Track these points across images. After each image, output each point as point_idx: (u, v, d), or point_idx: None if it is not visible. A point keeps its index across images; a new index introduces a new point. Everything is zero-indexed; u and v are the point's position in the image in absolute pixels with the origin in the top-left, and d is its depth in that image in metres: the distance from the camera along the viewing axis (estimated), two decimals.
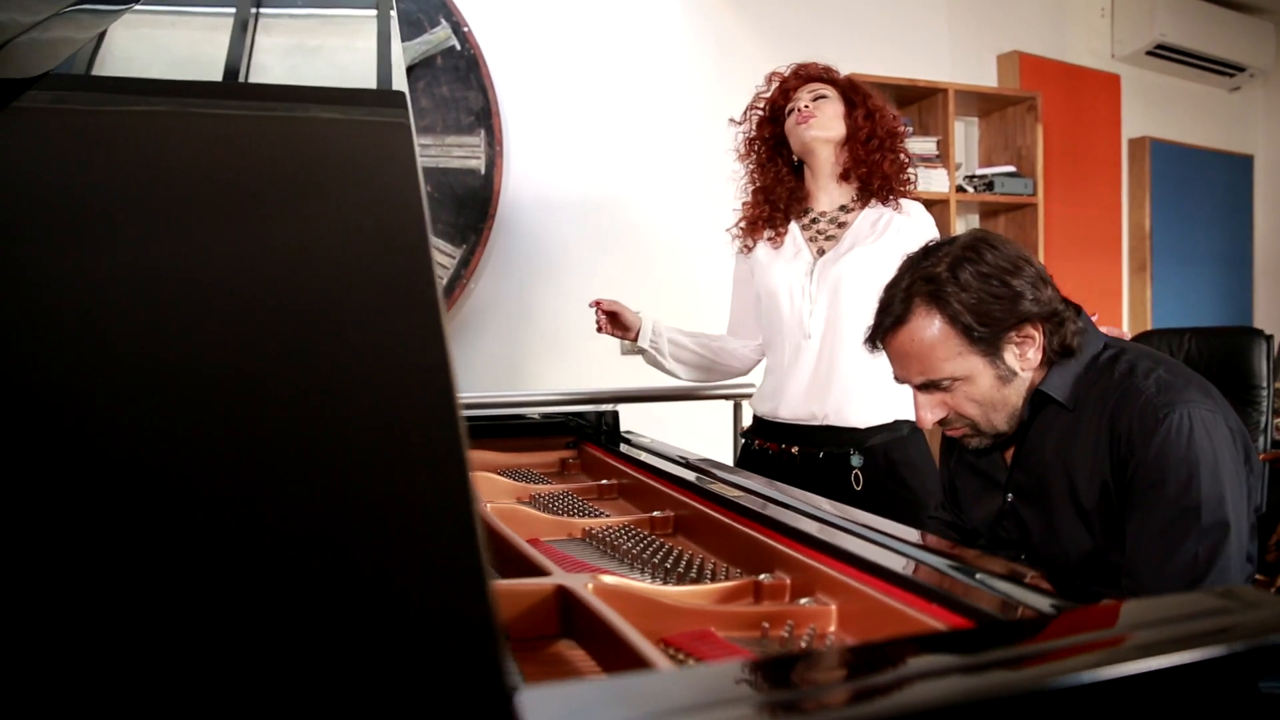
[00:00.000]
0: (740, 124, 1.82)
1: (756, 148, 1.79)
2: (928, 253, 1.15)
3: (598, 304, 1.79)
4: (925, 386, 1.13)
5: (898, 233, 1.65)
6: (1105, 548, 1.08)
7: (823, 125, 1.67)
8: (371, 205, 0.53)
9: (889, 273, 1.56)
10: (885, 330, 1.15)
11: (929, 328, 1.10)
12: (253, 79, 0.86)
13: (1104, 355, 1.13)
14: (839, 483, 1.60)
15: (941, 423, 1.16)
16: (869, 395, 1.61)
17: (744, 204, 1.81)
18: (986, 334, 1.09)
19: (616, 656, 0.59)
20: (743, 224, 1.80)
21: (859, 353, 1.51)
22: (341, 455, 0.33)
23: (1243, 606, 0.58)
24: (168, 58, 0.98)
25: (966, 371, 1.10)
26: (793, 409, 1.67)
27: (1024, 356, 1.11)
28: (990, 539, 1.24)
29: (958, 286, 1.08)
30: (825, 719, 0.37)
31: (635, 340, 1.78)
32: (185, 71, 0.94)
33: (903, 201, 1.70)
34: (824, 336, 1.65)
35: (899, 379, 1.18)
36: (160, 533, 0.33)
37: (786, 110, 1.73)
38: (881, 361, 1.54)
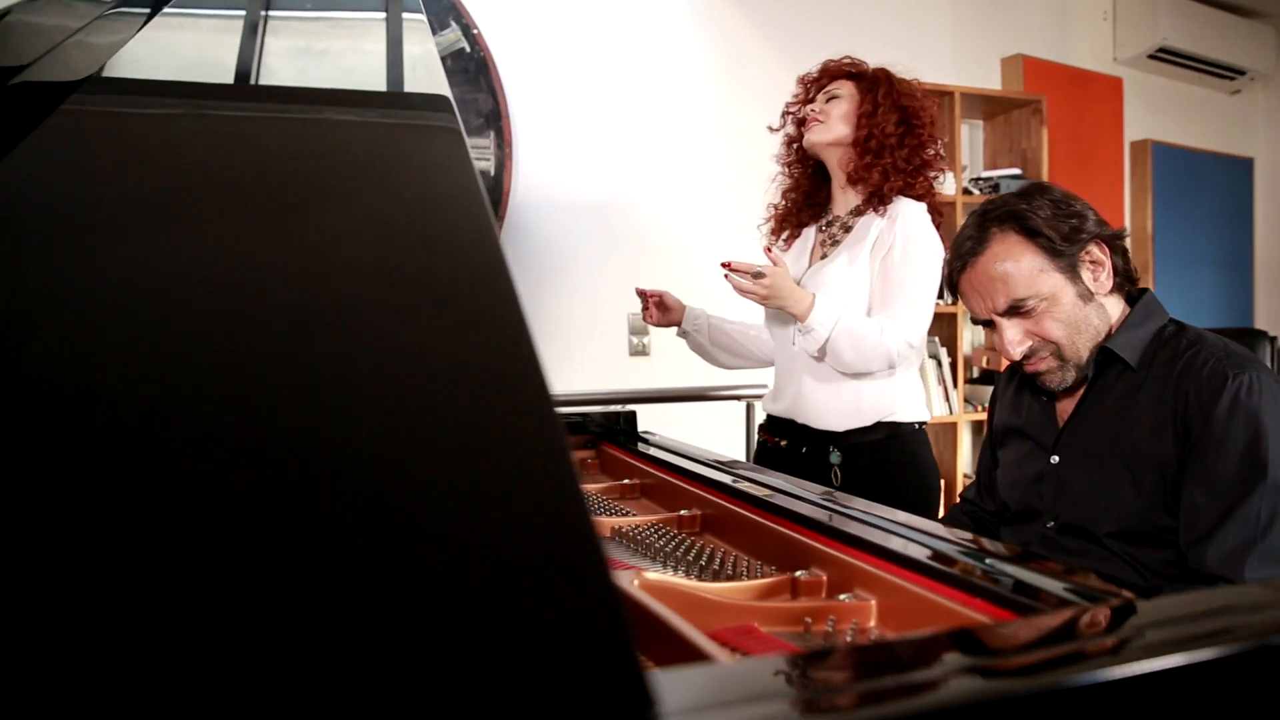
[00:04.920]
0: (778, 129, 1.85)
1: (786, 151, 1.83)
2: (992, 198, 1.22)
3: (643, 293, 1.84)
4: (1010, 312, 1.17)
5: (872, 241, 1.63)
6: (1150, 508, 1.09)
7: (822, 130, 1.68)
8: (437, 208, 0.55)
9: (857, 284, 1.61)
10: (965, 259, 1.20)
11: (1010, 247, 1.16)
12: (262, 81, 0.87)
13: (1169, 328, 1.18)
14: (820, 478, 1.64)
15: (1025, 357, 1.19)
16: (842, 401, 1.65)
17: (771, 204, 1.86)
18: (1065, 248, 1.14)
19: (671, 651, 0.60)
20: (769, 224, 1.85)
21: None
22: (453, 459, 0.35)
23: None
24: (175, 61, 0.99)
25: (1051, 289, 1.15)
26: (779, 406, 1.75)
27: (1097, 279, 1.17)
28: (1020, 508, 1.26)
29: (1030, 207, 1.15)
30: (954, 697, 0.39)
31: (679, 325, 1.85)
32: (193, 74, 0.95)
33: (895, 201, 1.64)
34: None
35: (980, 317, 1.22)
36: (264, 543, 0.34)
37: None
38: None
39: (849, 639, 0.70)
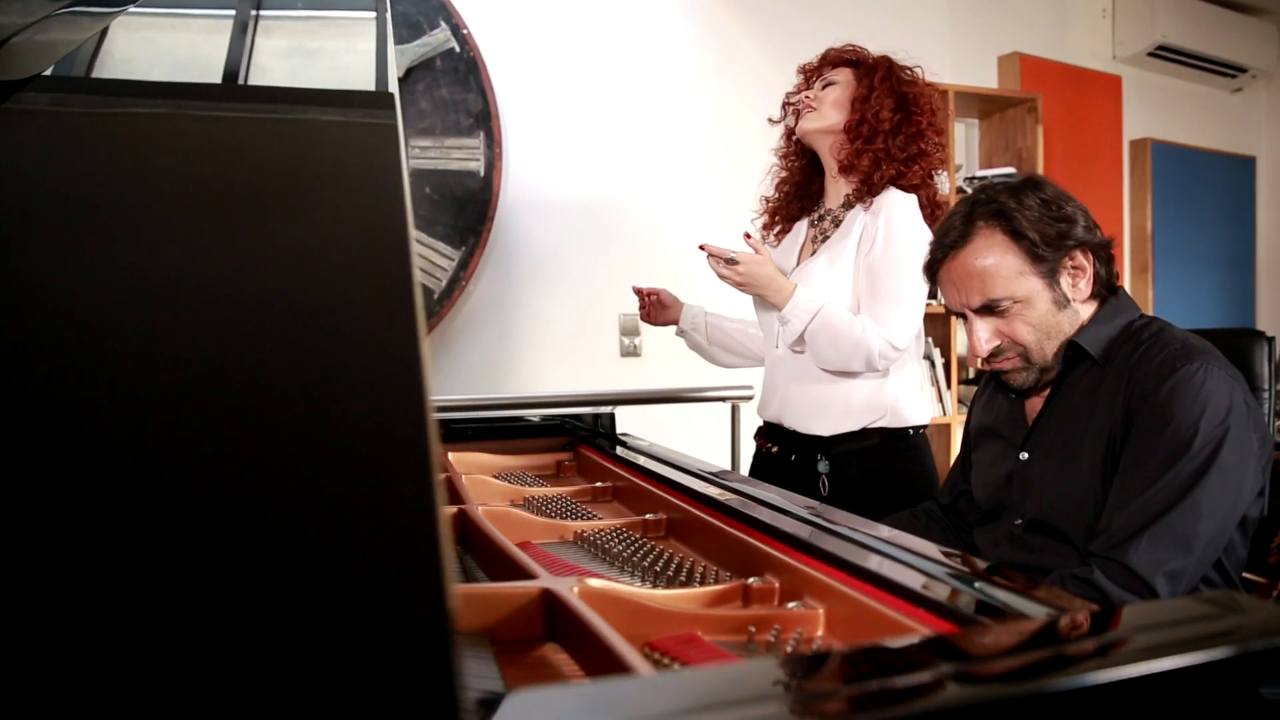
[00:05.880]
0: (778, 121, 1.81)
1: (785, 143, 1.79)
2: (985, 188, 1.20)
3: (640, 291, 1.80)
4: (983, 310, 1.16)
5: (856, 237, 1.58)
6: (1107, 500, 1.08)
7: (814, 117, 1.64)
8: (353, 206, 0.53)
9: (839, 285, 1.57)
10: (947, 250, 1.18)
11: (992, 246, 1.14)
12: (252, 81, 0.86)
13: (1138, 321, 1.17)
14: (808, 487, 1.60)
15: (993, 354, 1.18)
16: (829, 404, 1.60)
17: (764, 196, 1.82)
18: (1048, 253, 1.13)
19: (599, 660, 0.59)
20: (761, 219, 1.81)
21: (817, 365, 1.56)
22: (305, 453, 0.33)
23: (1244, 610, 0.58)
24: (168, 60, 0.99)
25: (1026, 292, 1.14)
26: (769, 410, 1.71)
27: (1076, 286, 1.15)
28: (991, 507, 1.25)
29: (1020, 206, 1.13)
30: None
31: (677, 324, 1.81)
32: (186, 74, 0.95)
33: (883, 193, 1.57)
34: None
35: (954, 308, 1.21)
36: (133, 529, 0.33)
37: None
38: (844, 375, 1.53)
39: (791, 648, 0.68)
